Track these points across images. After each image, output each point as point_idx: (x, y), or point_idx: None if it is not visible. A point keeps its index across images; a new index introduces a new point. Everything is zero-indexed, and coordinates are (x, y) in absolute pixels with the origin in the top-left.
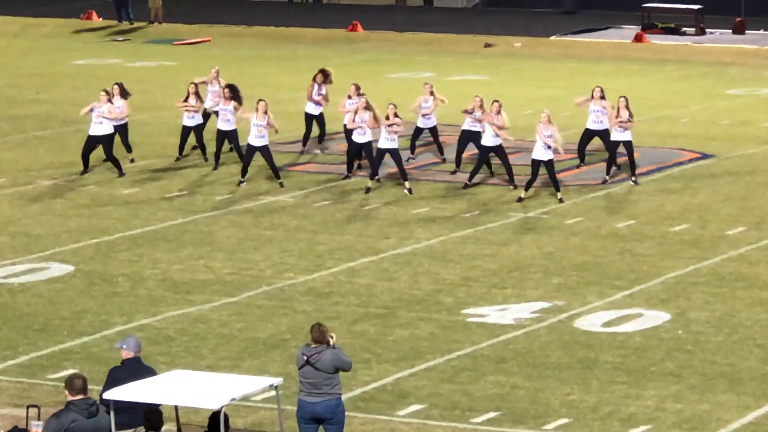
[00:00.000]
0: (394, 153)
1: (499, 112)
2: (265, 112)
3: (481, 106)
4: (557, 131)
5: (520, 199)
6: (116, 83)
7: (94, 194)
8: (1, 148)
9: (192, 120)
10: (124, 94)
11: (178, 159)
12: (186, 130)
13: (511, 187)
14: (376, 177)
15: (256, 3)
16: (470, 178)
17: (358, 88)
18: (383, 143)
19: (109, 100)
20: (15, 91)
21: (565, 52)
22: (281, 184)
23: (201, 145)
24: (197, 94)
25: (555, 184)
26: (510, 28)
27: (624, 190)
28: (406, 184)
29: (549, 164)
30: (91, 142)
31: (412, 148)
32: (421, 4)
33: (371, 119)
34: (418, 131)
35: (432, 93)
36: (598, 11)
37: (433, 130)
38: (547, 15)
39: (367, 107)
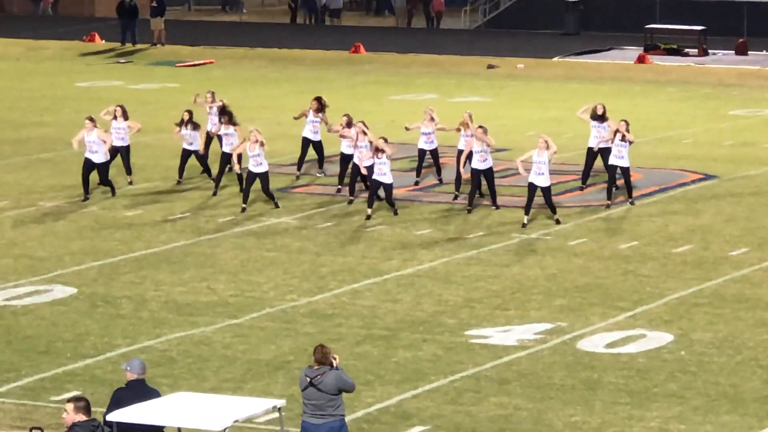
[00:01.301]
0: (388, 187)
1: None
2: (257, 142)
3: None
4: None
5: (523, 225)
6: (119, 105)
7: (96, 216)
8: (3, 171)
9: (191, 146)
10: (126, 115)
11: (178, 182)
12: (186, 153)
13: (494, 208)
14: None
15: (259, 25)
16: (469, 203)
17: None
18: (377, 176)
19: (115, 117)
20: (18, 114)
21: (568, 74)
22: (276, 205)
23: (205, 167)
24: (192, 121)
25: (551, 209)
26: (513, 49)
27: (626, 212)
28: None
29: (545, 190)
30: (89, 165)
31: (419, 170)
32: (423, 26)
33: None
34: (422, 153)
35: (432, 118)
36: (601, 33)
37: (434, 153)
38: (550, 36)
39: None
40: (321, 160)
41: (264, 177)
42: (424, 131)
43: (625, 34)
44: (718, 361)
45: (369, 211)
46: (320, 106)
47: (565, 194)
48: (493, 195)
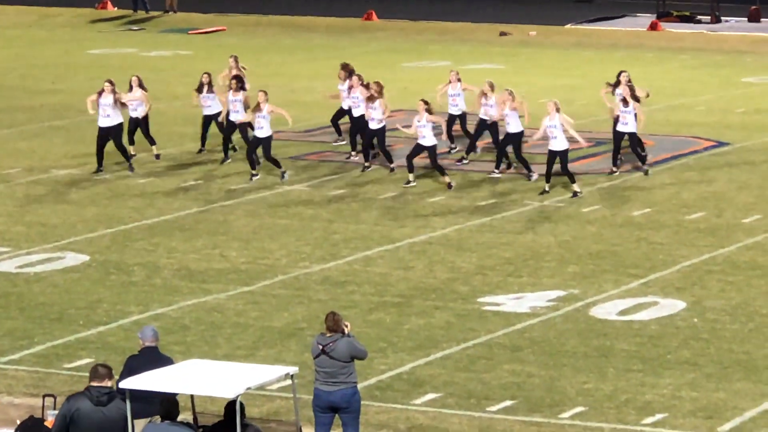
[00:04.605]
0: (431, 149)
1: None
2: (265, 102)
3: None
4: (565, 121)
5: (543, 192)
6: (135, 75)
7: (109, 184)
8: (16, 138)
9: (210, 109)
10: (142, 86)
11: (201, 151)
12: (207, 120)
13: (533, 177)
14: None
15: None
16: (497, 166)
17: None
18: (420, 141)
19: (130, 89)
20: (30, 81)
21: (581, 41)
22: (283, 175)
23: (222, 132)
24: (210, 84)
25: (569, 176)
26: (525, 16)
27: (639, 180)
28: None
29: (561, 154)
30: (103, 135)
31: (450, 137)
32: None
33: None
34: (452, 119)
35: (459, 80)
36: (613, 0)
37: (462, 118)
38: (563, 3)
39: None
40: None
41: (265, 142)
42: (451, 92)
43: (638, 1)
44: (730, 329)
45: (367, 163)
46: (347, 74)
47: (577, 161)
48: (525, 164)
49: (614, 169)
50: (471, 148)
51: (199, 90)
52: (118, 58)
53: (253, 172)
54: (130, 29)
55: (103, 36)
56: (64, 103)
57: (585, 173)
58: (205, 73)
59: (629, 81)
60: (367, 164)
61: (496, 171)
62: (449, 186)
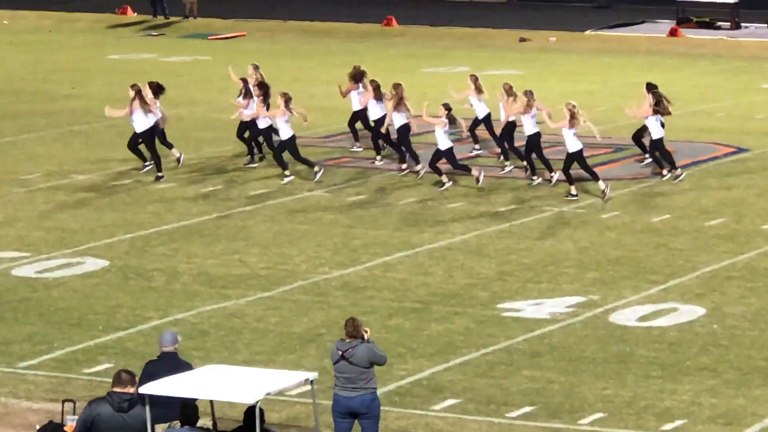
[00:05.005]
0: (445, 153)
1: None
2: (284, 105)
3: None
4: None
5: (570, 195)
6: (148, 83)
7: (128, 189)
8: (35, 143)
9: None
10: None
11: (251, 156)
12: (242, 126)
13: (552, 175)
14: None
15: None
16: (532, 171)
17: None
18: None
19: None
20: (50, 86)
21: (600, 47)
22: (315, 174)
23: (257, 141)
24: (248, 91)
25: (591, 175)
26: (545, 22)
27: (659, 186)
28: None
29: (576, 156)
30: (135, 138)
31: (474, 137)
32: None
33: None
34: (476, 122)
35: (477, 89)
36: (633, 6)
37: (486, 120)
38: (582, 9)
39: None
40: (354, 132)
41: (288, 143)
42: (471, 98)
43: (657, 7)
44: (750, 335)
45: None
46: (354, 76)
47: (596, 168)
48: (546, 164)
49: (646, 156)
50: (506, 156)
51: (240, 95)
52: (137, 64)
53: (286, 173)
54: (149, 34)
55: (122, 41)
56: (83, 108)
57: (603, 180)
58: (241, 78)
59: (656, 91)
60: (378, 158)
61: (534, 177)
62: (477, 180)
